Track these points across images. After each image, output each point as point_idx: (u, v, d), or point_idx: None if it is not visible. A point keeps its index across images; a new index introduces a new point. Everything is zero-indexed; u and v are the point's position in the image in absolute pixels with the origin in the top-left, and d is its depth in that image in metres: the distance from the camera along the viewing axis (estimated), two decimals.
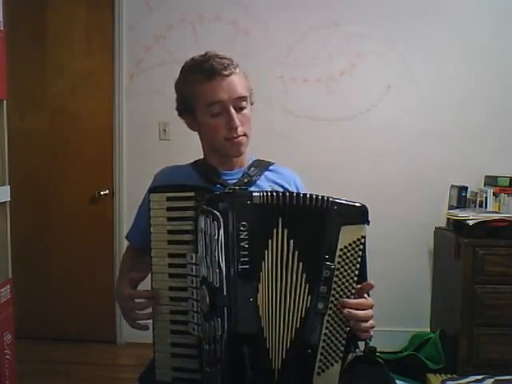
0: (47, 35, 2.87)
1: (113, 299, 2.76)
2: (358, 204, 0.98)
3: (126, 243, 1.36)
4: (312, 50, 2.79)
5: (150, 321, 1.03)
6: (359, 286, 0.99)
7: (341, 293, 0.97)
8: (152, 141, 2.87)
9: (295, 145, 2.78)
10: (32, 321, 2.80)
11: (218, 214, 0.93)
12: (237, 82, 1.13)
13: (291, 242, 0.96)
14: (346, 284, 0.97)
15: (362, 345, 1.16)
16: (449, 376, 2.26)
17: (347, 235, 0.96)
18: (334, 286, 0.96)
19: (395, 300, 2.77)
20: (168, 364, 1.00)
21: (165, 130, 2.85)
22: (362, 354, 1.01)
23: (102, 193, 2.87)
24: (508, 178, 2.59)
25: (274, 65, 2.78)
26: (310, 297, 0.96)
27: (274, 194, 0.97)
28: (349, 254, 0.96)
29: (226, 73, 1.11)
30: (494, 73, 2.76)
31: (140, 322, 1.06)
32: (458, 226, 2.50)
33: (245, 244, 0.94)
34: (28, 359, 2.41)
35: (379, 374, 1.09)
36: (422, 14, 2.75)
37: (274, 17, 2.79)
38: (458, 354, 2.36)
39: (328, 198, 0.97)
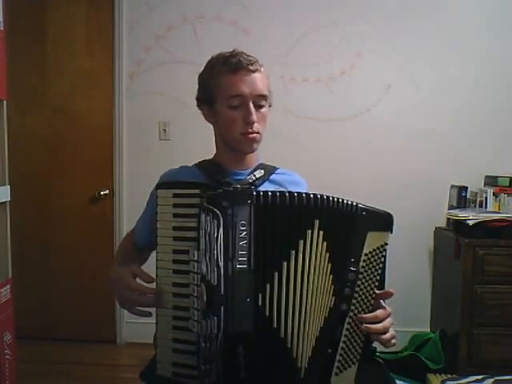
0: (47, 35, 2.88)
1: (113, 299, 2.78)
2: (384, 212, 1.00)
3: None
4: (312, 50, 2.79)
5: (152, 308, 1.03)
6: (378, 292, 1.00)
7: (362, 296, 0.99)
8: (152, 141, 2.87)
9: (295, 145, 2.79)
10: (32, 321, 2.80)
11: (218, 212, 0.93)
12: (260, 80, 1.15)
13: (325, 244, 0.96)
14: (368, 288, 0.99)
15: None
16: (449, 376, 2.26)
17: (372, 241, 0.98)
18: (357, 289, 0.98)
19: (395, 300, 2.75)
20: (169, 359, 1.00)
21: (165, 130, 2.85)
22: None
23: (102, 193, 2.87)
24: (508, 178, 2.58)
25: (274, 65, 2.77)
26: (334, 297, 0.97)
27: (304, 195, 0.96)
28: (372, 260, 0.99)
29: (251, 68, 1.14)
30: (494, 73, 2.76)
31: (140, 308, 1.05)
32: (458, 226, 2.50)
33: (244, 243, 0.93)
34: (28, 359, 2.42)
35: (379, 373, 1.09)
36: (422, 13, 2.75)
37: (274, 17, 2.79)
38: (458, 354, 2.36)
39: (357, 203, 0.99)
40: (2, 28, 1.80)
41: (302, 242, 0.95)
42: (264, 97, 1.16)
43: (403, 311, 2.78)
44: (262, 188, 1.17)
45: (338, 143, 2.82)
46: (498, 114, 2.78)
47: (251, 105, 1.14)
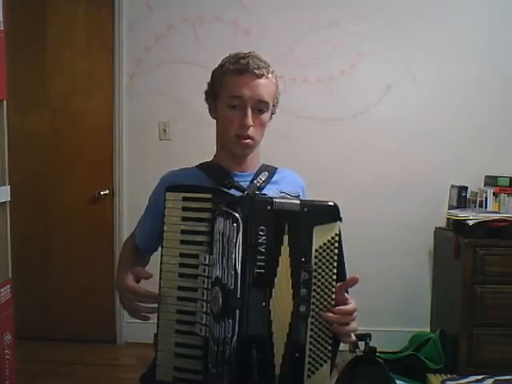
0: (47, 35, 2.87)
1: (113, 299, 2.79)
2: (327, 203, 0.98)
3: None
4: (312, 50, 2.79)
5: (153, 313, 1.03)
6: (340, 283, 0.99)
7: (321, 293, 0.97)
8: (152, 141, 2.87)
9: (295, 145, 2.78)
10: (32, 321, 2.80)
11: (238, 216, 0.93)
12: (264, 86, 1.16)
13: (288, 248, 0.96)
14: (326, 283, 0.97)
15: (361, 344, 1.15)
16: (449, 376, 2.26)
17: (320, 236, 0.96)
18: (314, 287, 0.96)
19: (395, 300, 2.77)
20: (170, 363, 0.99)
21: (165, 130, 2.85)
22: (361, 353, 1.01)
23: (102, 193, 2.87)
24: (508, 178, 2.59)
25: (274, 65, 2.75)
26: (293, 301, 0.96)
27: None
28: (324, 254, 0.96)
29: (257, 72, 1.15)
30: (494, 73, 2.76)
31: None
32: (457, 226, 2.50)
33: (262, 248, 0.94)
34: (28, 359, 2.41)
35: (379, 374, 1.10)
36: (422, 13, 2.75)
37: (274, 17, 2.79)
38: (458, 354, 2.36)
39: (301, 200, 0.98)
40: (2, 28, 1.80)
41: (282, 247, 0.95)
42: (265, 103, 1.17)
43: (403, 311, 2.80)
44: (265, 190, 1.19)
45: (338, 143, 2.82)
46: (498, 114, 2.78)
47: (249, 108, 1.15)
